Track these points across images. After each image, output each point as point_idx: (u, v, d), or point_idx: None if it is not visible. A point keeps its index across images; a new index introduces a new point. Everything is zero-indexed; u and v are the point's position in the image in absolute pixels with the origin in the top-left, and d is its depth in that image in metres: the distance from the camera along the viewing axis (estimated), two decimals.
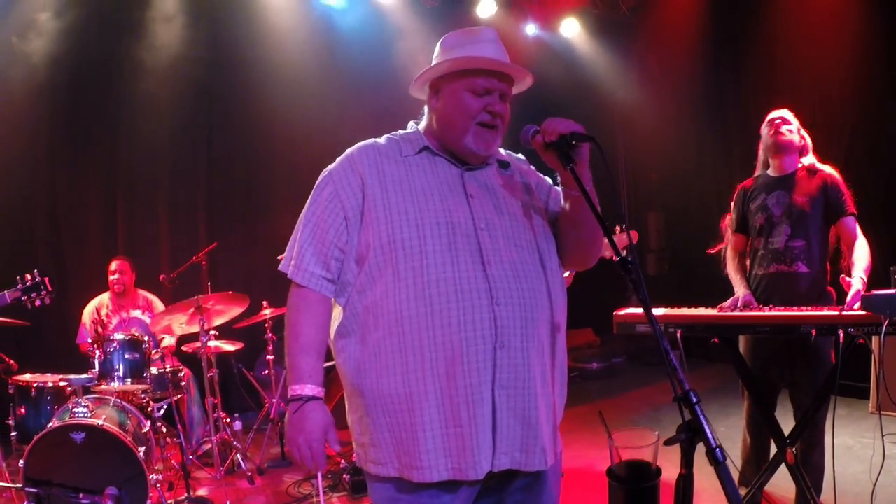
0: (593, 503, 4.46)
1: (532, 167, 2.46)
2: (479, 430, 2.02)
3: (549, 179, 2.44)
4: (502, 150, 2.42)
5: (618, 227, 4.08)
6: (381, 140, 2.31)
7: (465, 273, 2.05)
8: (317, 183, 2.27)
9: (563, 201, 2.25)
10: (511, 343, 2.04)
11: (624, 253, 1.93)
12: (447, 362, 2.02)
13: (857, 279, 3.64)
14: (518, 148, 2.37)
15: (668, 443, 1.62)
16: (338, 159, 2.29)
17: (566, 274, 2.45)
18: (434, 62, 2.27)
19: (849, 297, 3.56)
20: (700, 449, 1.61)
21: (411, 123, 2.39)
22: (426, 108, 2.35)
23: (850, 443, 5.45)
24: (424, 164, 2.23)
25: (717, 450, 1.53)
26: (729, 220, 4.37)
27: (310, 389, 2.11)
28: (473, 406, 2.01)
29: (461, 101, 2.18)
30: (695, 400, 1.59)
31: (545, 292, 2.16)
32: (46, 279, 4.32)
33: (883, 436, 3.84)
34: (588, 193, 2.02)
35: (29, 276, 4.29)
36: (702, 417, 1.56)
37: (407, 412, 2.05)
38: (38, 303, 4.32)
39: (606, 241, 2.02)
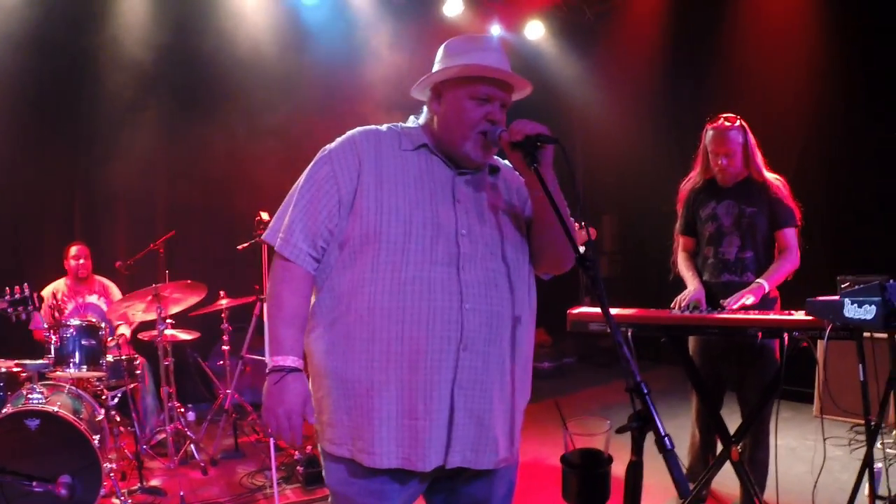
0: (544, 495, 4.55)
1: (516, 173, 2.46)
2: (434, 425, 2.08)
3: None
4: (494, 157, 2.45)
5: (577, 225, 4.16)
6: (383, 128, 2.33)
7: (439, 275, 2.10)
8: (314, 160, 2.28)
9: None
10: (474, 346, 2.11)
11: (583, 250, 2.00)
12: (411, 357, 2.07)
13: (758, 282, 3.87)
14: None
15: (620, 431, 1.69)
16: (338, 140, 2.30)
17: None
18: (437, 67, 2.30)
19: (730, 299, 3.82)
20: (649, 438, 1.69)
21: (412, 118, 2.41)
22: (425, 107, 2.37)
23: (794, 444, 5.59)
24: (421, 161, 2.26)
25: (666, 438, 1.61)
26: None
27: (291, 361, 2.12)
28: (430, 402, 2.07)
29: (463, 108, 2.21)
30: (645, 391, 1.67)
31: (512, 302, 2.23)
32: (35, 294, 4.17)
33: (825, 438, 3.98)
34: (551, 193, 2.06)
35: (18, 289, 4.13)
36: (652, 407, 1.64)
37: (366, 398, 2.10)
38: (23, 316, 4.16)
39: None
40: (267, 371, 2.15)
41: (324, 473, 2.29)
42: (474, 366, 2.11)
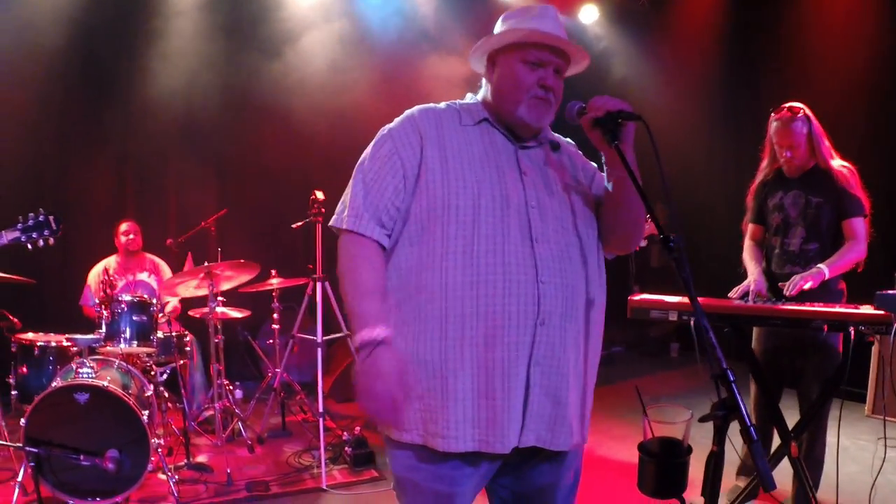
0: (590, 485, 4.49)
1: (580, 151, 2.42)
2: (511, 404, 2.00)
3: (594, 164, 2.40)
4: (554, 133, 2.38)
5: (660, 204, 4.10)
6: (441, 105, 2.27)
7: (513, 248, 2.01)
8: (375, 139, 2.21)
9: (606, 182, 2.21)
10: (551, 321, 2.03)
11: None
12: (487, 334, 1.99)
13: (818, 267, 3.81)
14: (560, 126, 2.32)
15: (703, 419, 1.63)
16: (397, 119, 2.23)
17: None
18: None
19: (788, 283, 3.78)
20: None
21: (469, 95, 2.35)
22: (483, 81, 2.31)
23: (847, 443, 5.47)
24: (483, 135, 2.19)
25: (752, 428, 1.54)
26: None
27: (380, 332, 1.95)
28: (508, 379, 1.99)
29: (515, 72, 2.14)
30: (732, 378, 1.59)
31: (585, 276, 2.15)
32: (52, 217, 3.79)
33: (885, 438, 3.88)
34: (633, 172, 2.01)
35: (32, 214, 3.77)
36: (738, 396, 1.56)
37: (440, 379, 2.02)
38: (41, 243, 3.78)
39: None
40: (355, 349, 2.00)
41: (388, 460, 2.22)
42: (551, 342, 2.03)
